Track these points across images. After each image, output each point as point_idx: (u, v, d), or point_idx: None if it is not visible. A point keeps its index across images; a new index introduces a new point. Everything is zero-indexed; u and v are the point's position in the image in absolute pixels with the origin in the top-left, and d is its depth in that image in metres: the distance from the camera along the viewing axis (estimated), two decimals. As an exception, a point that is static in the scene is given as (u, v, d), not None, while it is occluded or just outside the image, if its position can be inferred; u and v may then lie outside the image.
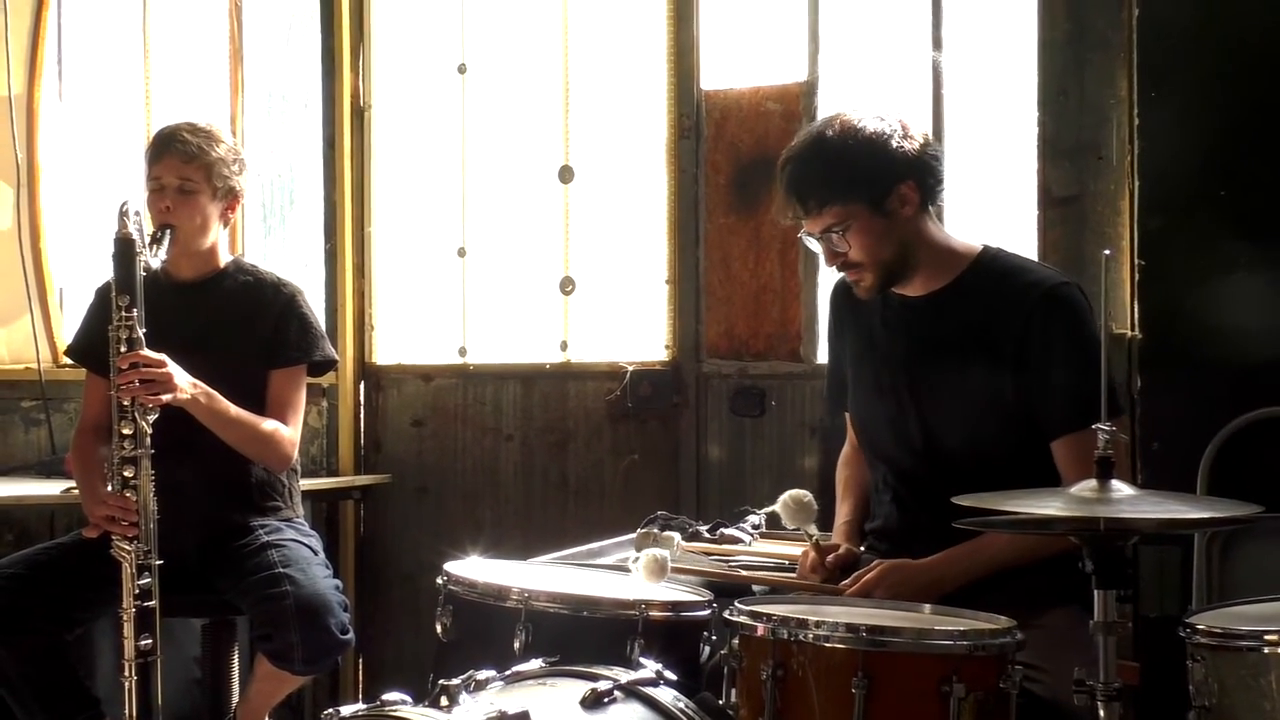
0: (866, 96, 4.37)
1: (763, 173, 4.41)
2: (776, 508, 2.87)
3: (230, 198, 3.64)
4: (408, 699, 2.13)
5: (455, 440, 4.82)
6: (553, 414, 4.69)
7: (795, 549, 3.33)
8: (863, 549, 3.02)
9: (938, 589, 2.75)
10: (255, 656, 3.49)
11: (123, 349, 3.31)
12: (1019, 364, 2.80)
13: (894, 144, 2.83)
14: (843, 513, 3.14)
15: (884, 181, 2.83)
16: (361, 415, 4.92)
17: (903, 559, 2.83)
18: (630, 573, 2.87)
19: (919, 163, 2.86)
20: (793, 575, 3.03)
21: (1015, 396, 2.81)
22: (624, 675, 2.34)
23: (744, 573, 3.24)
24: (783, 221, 2.99)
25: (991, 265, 2.92)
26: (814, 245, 2.92)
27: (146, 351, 3.31)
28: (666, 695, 2.33)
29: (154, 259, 3.39)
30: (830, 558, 2.93)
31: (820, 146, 2.85)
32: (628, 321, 4.67)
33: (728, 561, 3.32)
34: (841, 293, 3.12)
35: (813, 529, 2.87)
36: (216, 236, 3.66)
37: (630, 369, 4.55)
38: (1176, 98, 3.62)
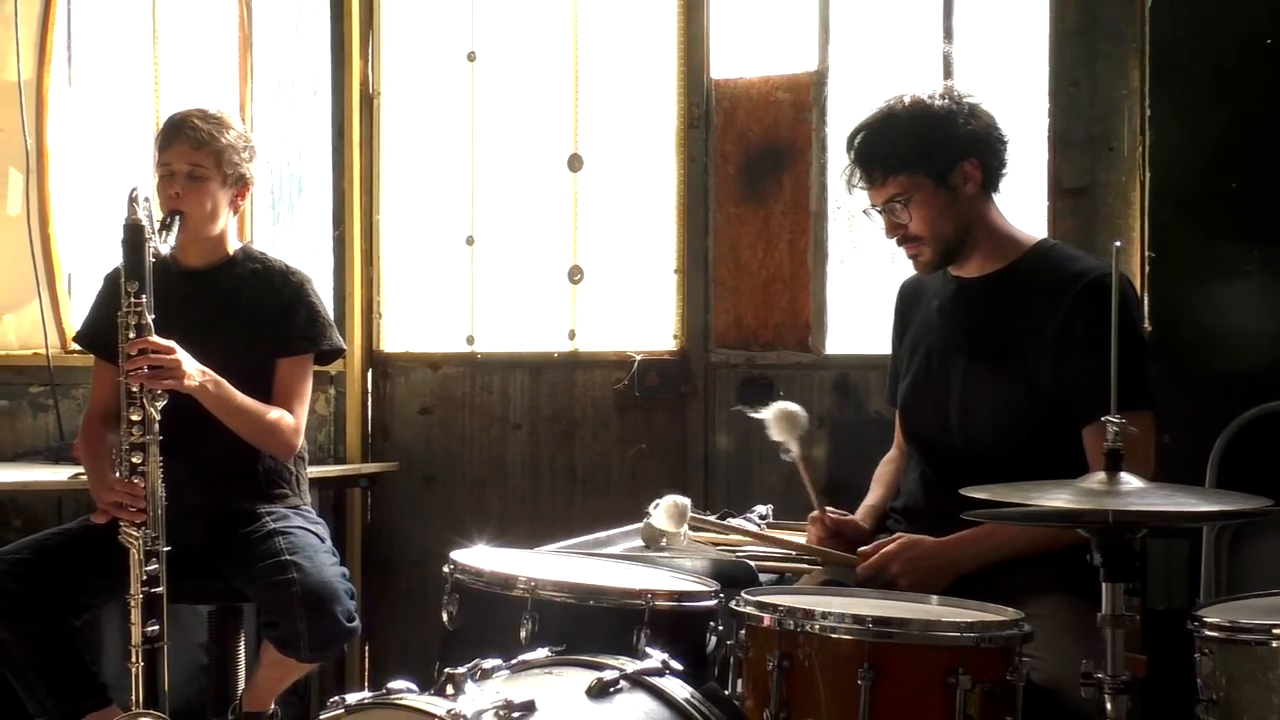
0: (877, 87, 4.36)
1: (772, 162, 4.41)
2: (765, 415, 2.92)
3: (240, 185, 3.64)
4: (413, 687, 2.13)
5: (463, 429, 4.82)
6: (560, 403, 4.68)
7: (801, 539, 3.33)
8: (880, 531, 3.05)
9: (953, 570, 2.78)
10: (261, 643, 3.49)
11: (131, 335, 3.30)
12: (1059, 349, 2.84)
13: (960, 121, 2.92)
14: (869, 498, 3.21)
15: (948, 156, 2.91)
16: (369, 403, 4.92)
17: (922, 535, 2.84)
18: (645, 537, 2.91)
19: (984, 143, 2.95)
20: (807, 567, 3.04)
21: (1052, 383, 2.83)
22: (630, 665, 2.34)
23: (757, 534, 3.26)
24: (848, 192, 3.04)
25: (1047, 254, 2.99)
26: (875, 218, 2.98)
27: (155, 338, 3.31)
28: (672, 685, 2.33)
29: (163, 245, 3.39)
30: (835, 515, 3.01)
31: (890, 119, 2.94)
32: (636, 311, 4.66)
33: (735, 551, 3.32)
34: (908, 289, 3.21)
35: (795, 446, 2.93)
36: (226, 224, 3.66)
37: (638, 358, 4.55)
38: (1189, 90, 3.60)
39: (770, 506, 3.78)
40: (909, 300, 3.20)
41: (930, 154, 2.90)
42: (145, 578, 3.24)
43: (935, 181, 2.91)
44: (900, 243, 2.98)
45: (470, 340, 4.86)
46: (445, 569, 2.76)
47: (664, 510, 2.97)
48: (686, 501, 2.95)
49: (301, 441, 3.65)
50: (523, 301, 4.84)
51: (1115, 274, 2.39)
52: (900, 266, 3.25)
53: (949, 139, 2.91)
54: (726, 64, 4.50)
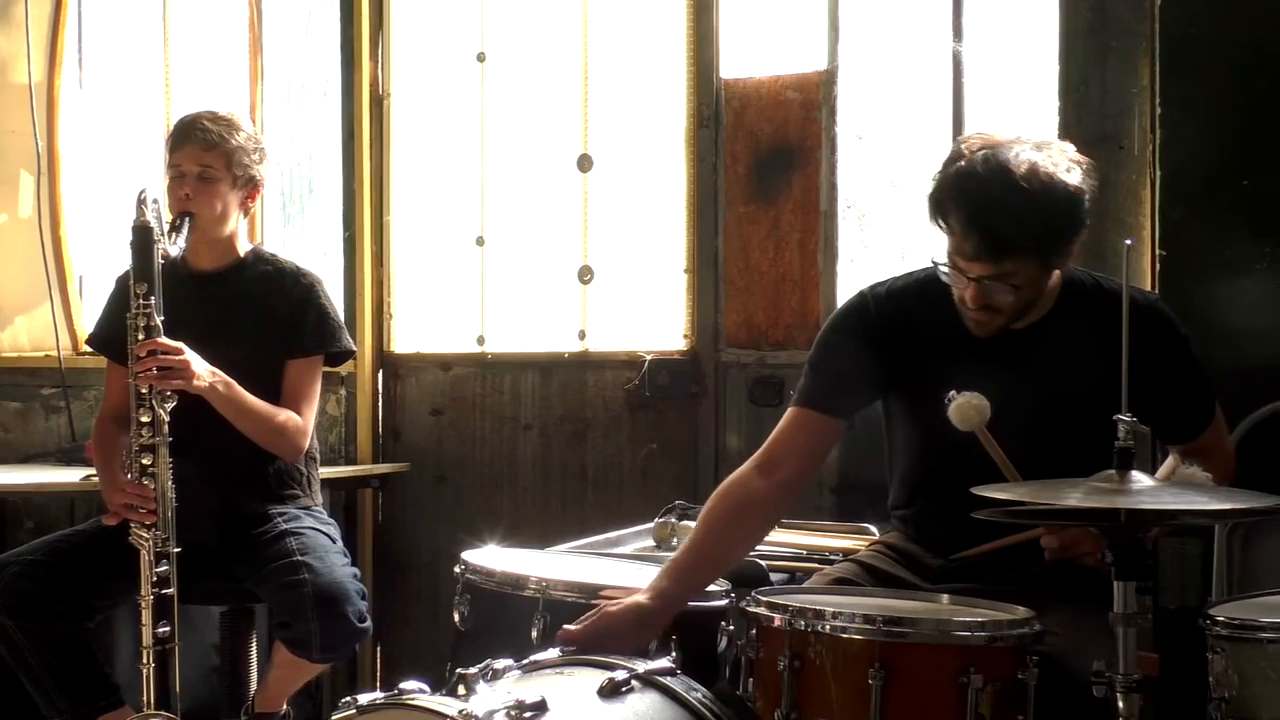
0: (887, 86, 4.37)
1: (782, 161, 4.40)
2: (949, 412, 2.63)
3: (250, 186, 3.64)
4: (425, 688, 2.13)
5: (473, 429, 4.82)
6: (571, 403, 4.68)
7: (811, 539, 3.34)
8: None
9: None
10: (273, 644, 3.50)
11: (141, 337, 3.31)
12: (1133, 379, 2.45)
13: (1085, 202, 2.68)
14: (689, 547, 2.75)
15: (1067, 242, 2.71)
16: (380, 404, 4.92)
17: None
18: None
19: (1089, 218, 2.73)
20: (817, 566, 3.03)
21: (1106, 414, 2.44)
22: (641, 665, 2.34)
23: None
24: (961, 260, 2.69)
25: (1081, 289, 2.84)
26: (944, 273, 2.73)
27: (164, 339, 3.31)
28: (683, 685, 2.33)
29: (172, 247, 3.39)
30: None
31: (1018, 194, 2.62)
32: (646, 311, 4.66)
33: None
34: (891, 314, 2.89)
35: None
36: (236, 225, 3.66)
37: (649, 358, 4.55)
38: (1199, 87, 3.60)
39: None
40: (891, 327, 2.87)
41: (1053, 242, 2.68)
42: (155, 579, 3.25)
43: (1042, 265, 2.69)
44: (975, 308, 2.72)
45: (481, 341, 4.86)
46: (457, 569, 2.76)
47: (956, 408, 2.63)
48: (986, 402, 2.61)
49: (309, 443, 3.65)
50: (533, 302, 4.84)
51: (1125, 271, 2.38)
52: (909, 265, 3.18)
53: (1073, 225, 2.68)
54: (736, 63, 4.50)
